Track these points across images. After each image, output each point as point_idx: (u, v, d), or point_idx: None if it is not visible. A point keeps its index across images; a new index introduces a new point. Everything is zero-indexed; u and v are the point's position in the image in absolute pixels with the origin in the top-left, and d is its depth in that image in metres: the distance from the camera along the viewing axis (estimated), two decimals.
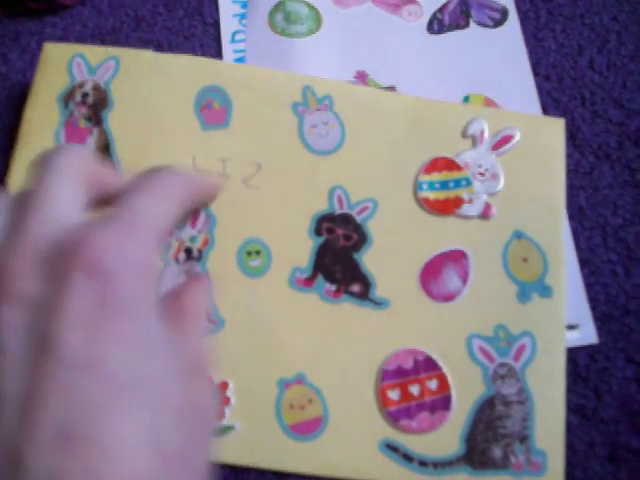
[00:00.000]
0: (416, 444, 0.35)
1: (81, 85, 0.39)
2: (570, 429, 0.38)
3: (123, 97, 0.40)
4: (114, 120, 0.39)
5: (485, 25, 0.47)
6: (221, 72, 0.40)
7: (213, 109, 0.39)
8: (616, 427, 0.39)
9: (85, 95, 0.39)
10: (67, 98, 0.39)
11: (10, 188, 0.38)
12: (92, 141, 0.39)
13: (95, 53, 0.40)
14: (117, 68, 0.40)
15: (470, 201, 0.39)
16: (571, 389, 0.38)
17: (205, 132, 0.39)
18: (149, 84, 0.40)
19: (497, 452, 0.35)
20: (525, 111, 0.43)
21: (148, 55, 0.40)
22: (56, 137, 0.39)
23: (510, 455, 0.35)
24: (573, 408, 0.38)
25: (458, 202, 0.39)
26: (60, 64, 0.40)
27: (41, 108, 0.39)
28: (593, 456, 0.38)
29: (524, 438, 0.35)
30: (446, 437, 0.35)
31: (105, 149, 0.38)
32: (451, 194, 0.39)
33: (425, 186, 0.39)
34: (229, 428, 0.35)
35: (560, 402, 0.36)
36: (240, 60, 0.44)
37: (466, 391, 0.36)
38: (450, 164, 0.40)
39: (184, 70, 0.40)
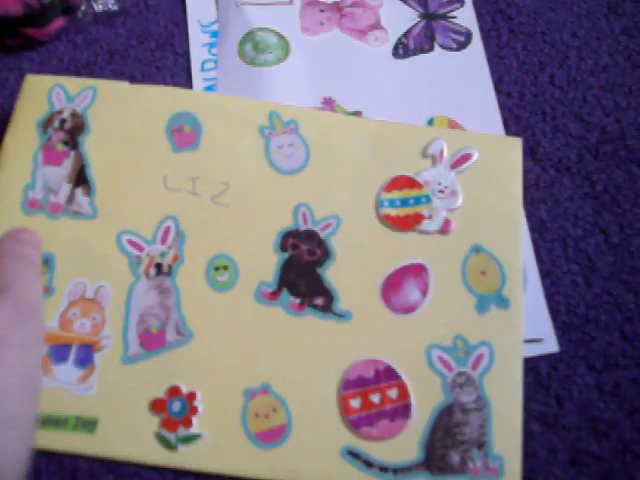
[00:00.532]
0: (377, 450, 0.37)
1: (60, 112, 0.42)
2: (532, 436, 0.40)
3: (99, 123, 0.42)
4: (90, 144, 0.42)
5: (449, 48, 0.50)
6: (192, 99, 0.43)
7: (184, 132, 0.42)
8: (577, 433, 0.40)
9: (63, 121, 0.42)
10: (46, 124, 0.42)
11: None
12: (69, 163, 0.41)
13: (74, 83, 0.43)
14: (94, 97, 0.43)
15: (430, 217, 0.41)
16: (533, 397, 0.40)
17: (176, 154, 0.42)
18: (124, 111, 0.43)
19: (455, 458, 0.37)
20: (487, 129, 0.46)
21: (123, 85, 0.44)
22: (34, 160, 0.41)
23: (468, 461, 0.37)
24: (535, 416, 0.40)
25: (418, 218, 0.41)
26: (41, 93, 0.43)
27: (20, 133, 0.42)
28: (555, 462, 0.39)
29: (482, 444, 0.37)
30: (406, 444, 0.37)
31: (80, 171, 0.41)
32: (411, 211, 0.42)
33: (386, 203, 0.42)
34: (196, 436, 0.37)
35: (517, 409, 0.38)
36: (210, 88, 0.47)
37: (425, 399, 0.38)
38: (410, 182, 0.42)
39: (157, 98, 0.43)
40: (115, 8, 0.51)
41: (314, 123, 0.43)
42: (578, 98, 0.50)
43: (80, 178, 0.41)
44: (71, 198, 0.41)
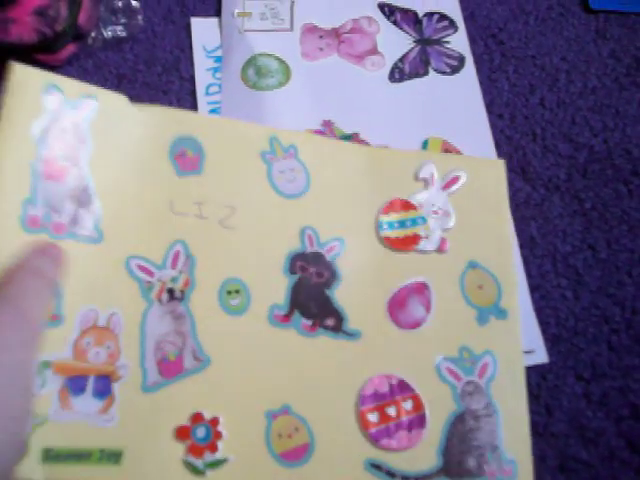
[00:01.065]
0: (397, 461, 0.39)
1: (58, 119, 0.39)
2: None
3: (102, 139, 0.41)
4: (92, 162, 0.40)
5: (443, 72, 0.54)
6: (193, 123, 0.44)
7: (187, 157, 0.43)
8: (566, 440, 0.43)
9: (64, 131, 0.39)
10: (45, 131, 0.38)
11: None
12: (71, 180, 0.39)
13: (71, 87, 0.40)
14: (96, 109, 0.41)
15: (427, 237, 0.44)
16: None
17: (180, 178, 0.43)
18: (127, 131, 0.42)
19: (472, 463, 0.40)
20: (480, 149, 0.50)
21: (124, 102, 0.42)
22: (32, 171, 0.38)
23: (484, 464, 0.40)
24: None
25: (416, 239, 0.44)
26: (33, 91, 0.38)
27: (14, 139, 0.38)
28: (545, 468, 0.42)
29: (495, 448, 0.40)
30: (424, 452, 0.40)
31: (85, 190, 0.39)
32: (409, 232, 0.44)
33: (385, 225, 0.44)
34: (223, 461, 0.38)
35: (524, 412, 0.41)
36: (214, 111, 0.49)
37: (439, 409, 0.41)
38: (406, 205, 0.45)
39: (160, 120, 0.43)
40: (123, 34, 0.53)
41: (312, 148, 0.46)
42: (567, 119, 0.54)
43: (84, 198, 0.39)
44: (75, 219, 0.39)
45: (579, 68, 0.57)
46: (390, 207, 0.45)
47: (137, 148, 0.42)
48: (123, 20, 0.54)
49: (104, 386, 0.38)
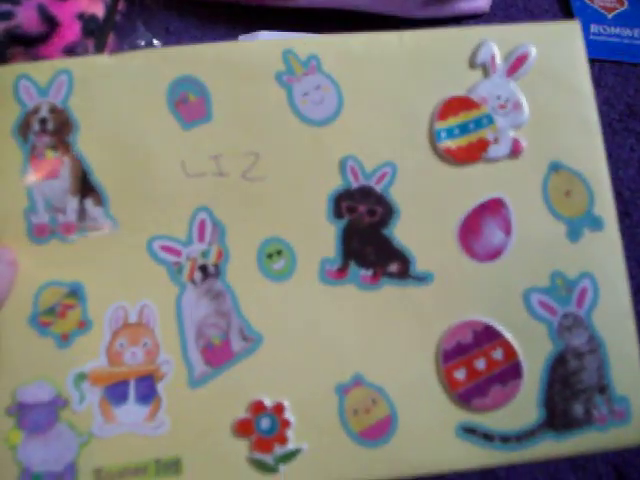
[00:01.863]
0: (494, 421, 0.35)
1: (36, 110, 0.36)
2: (515, 468, 0.46)
3: (87, 114, 0.36)
4: (84, 143, 0.36)
5: None
6: (188, 59, 0.37)
7: (190, 103, 0.36)
8: (556, 465, 0.47)
9: (43, 121, 0.36)
10: (24, 130, 0.36)
11: None
12: (66, 172, 0.36)
13: (41, 70, 0.36)
14: (71, 82, 0.36)
15: (496, 140, 0.37)
16: None
17: (187, 131, 0.36)
18: (112, 93, 0.36)
19: (578, 409, 0.35)
20: None
21: (102, 60, 0.37)
22: (24, 177, 0.36)
23: (592, 410, 0.35)
24: None
25: (483, 144, 0.37)
26: (5, 91, 0.36)
27: None
28: None
29: (603, 388, 0.35)
30: (523, 406, 0.35)
31: (83, 177, 0.36)
32: (473, 137, 0.37)
33: (443, 134, 0.37)
34: (297, 451, 0.34)
35: (633, 342, 0.36)
36: None
37: (534, 353, 0.35)
38: (466, 103, 0.37)
39: (146, 67, 0.36)
40: None
41: (338, 53, 0.37)
42: None
43: (85, 187, 0.36)
44: (82, 213, 0.35)
45: None
46: (446, 108, 0.37)
47: (130, 109, 0.36)
48: None
49: (148, 388, 0.34)
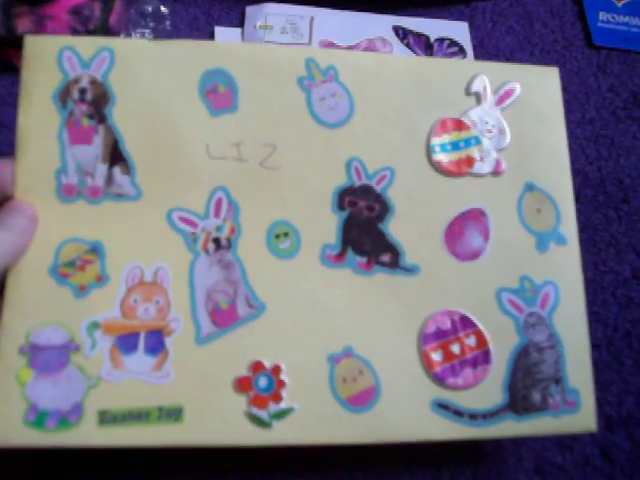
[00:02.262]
0: (464, 400, 0.39)
1: (77, 81, 0.39)
2: (502, 445, 0.47)
3: (124, 90, 0.40)
4: (118, 115, 0.39)
5: None
6: (222, 54, 0.41)
7: (219, 93, 0.41)
8: (543, 445, 0.48)
9: (83, 91, 0.39)
10: (63, 96, 0.39)
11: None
12: (99, 140, 0.39)
13: (86, 44, 0.40)
14: (112, 60, 0.40)
15: (481, 159, 0.43)
16: None
17: (214, 118, 0.40)
18: (149, 74, 0.40)
19: (536, 396, 0.40)
20: None
21: (143, 44, 0.41)
22: (59, 140, 0.39)
23: (548, 397, 0.40)
24: None
25: (470, 161, 0.42)
26: (48, 59, 0.39)
27: (36, 110, 0.39)
28: (521, 469, 0.46)
29: (558, 380, 0.40)
30: (490, 389, 0.40)
31: (114, 147, 0.39)
32: (463, 154, 0.42)
33: (437, 148, 0.42)
34: (289, 410, 0.37)
35: (586, 342, 0.41)
36: None
37: (502, 343, 0.40)
38: (459, 124, 0.43)
39: (183, 55, 0.41)
40: (151, 37, 0.58)
41: (353, 67, 0.43)
42: None
43: (115, 155, 0.39)
44: (110, 179, 0.39)
45: (579, 99, 0.63)
46: (442, 127, 0.43)
47: (164, 91, 0.40)
48: (152, 24, 0.59)
49: (156, 342, 0.37)
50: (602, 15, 0.67)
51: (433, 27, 0.66)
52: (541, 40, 0.67)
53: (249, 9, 0.64)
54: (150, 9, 0.59)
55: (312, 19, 0.64)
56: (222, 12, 0.65)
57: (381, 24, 0.65)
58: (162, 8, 0.59)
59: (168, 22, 0.61)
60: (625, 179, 0.59)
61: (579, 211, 0.52)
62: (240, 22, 0.64)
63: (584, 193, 0.58)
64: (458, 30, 0.67)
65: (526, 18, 0.68)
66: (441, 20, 0.67)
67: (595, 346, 0.48)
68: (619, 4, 0.68)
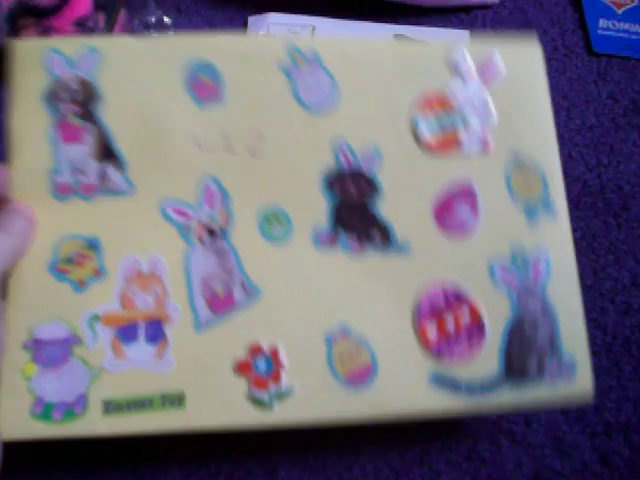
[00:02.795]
0: (460, 373, 0.40)
1: (64, 81, 0.41)
2: (501, 450, 0.48)
3: (112, 88, 0.41)
4: (107, 113, 0.41)
5: None
6: (204, 46, 0.42)
7: (204, 84, 0.42)
8: (542, 451, 0.48)
9: (71, 91, 0.41)
10: (52, 97, 0.40)
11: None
12: (90, 138, 0.40)
13: (70, 45, 0.41)
14: (98, 58, 0.41)
15: (469, 139, 0.43)
16: (503, 416, 0.49)
17: (201, 109, 0.42)
18: (135, 71, 0.41)
19: (532, 367, 0.41)
20: None
21: (128, 41, 0.42)
22: (50, 140, 0.40)
23: (544, 367, 0.41)
24: (505, 432, 0.49)
25: (457, 140, 0.43)
26: (35, 61, 0.41)
27: (26, 112, 0.40)
28: (520, 474, 0.47)
29: (553, 350, 0.41)
30: (486, 362, 0.41)
31: (105, 144, 0.40)
32: (449, 134, 0.43)
33: (423, 127, 0.43)
34: (289, 391, 0.39)
35: (579, 312, 0.42)
36: None
37: (496, 316, 0.41)
38: (443, 101, 0.44)
39: (167, 50, 0.42)
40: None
41: (336, 52, 0.44)
42: (564, 154, 0.59)
43: (107, 152, 0.40)
44: (103, 176, 0.40)
45: (579, 106, 0.64)
46: (425, 102, 0.44)
47: (151, 86, 0.42)
48: (155, 34, 0.60)
49: (156, 330, 0.39)
50: (602, 22, 0.68)
51: (434, 35, 0.67)
52: (542, 47, 0.66)
53: (251, 19, 0.65)
54: (153, 19, 0.60)
55: (314, 28, 0.66)
56: (225, 22, 0.66)
57: (382, 33, 0.66)
58: (165, 18, 0.61)
59: (172, 33, 0.62)
60: (625, 186, 0.60)
61: (579, 218, 0.56)
62: (242, 32, 0.66)
63: (584, 200, 0.59)
64: (459, 38, 0.67)
65: (526, 26, 0.69)
66: (442, 28, 0.68)
67: (594, 352, 0.48)
68: (619, 11, 0.68)
